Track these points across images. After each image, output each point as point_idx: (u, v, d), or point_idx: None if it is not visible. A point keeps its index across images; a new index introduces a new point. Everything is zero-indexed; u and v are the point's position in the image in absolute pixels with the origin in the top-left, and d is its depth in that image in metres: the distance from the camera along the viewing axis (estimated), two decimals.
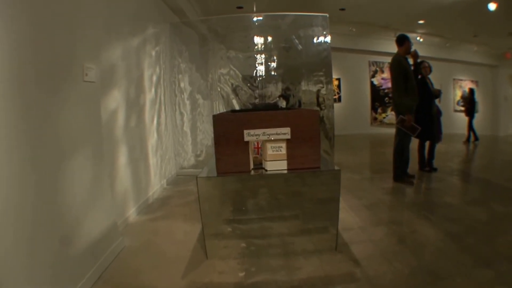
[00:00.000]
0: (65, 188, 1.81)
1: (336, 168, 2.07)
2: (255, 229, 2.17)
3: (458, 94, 11.89)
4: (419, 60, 4.53)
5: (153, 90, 4.21)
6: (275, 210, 2.12)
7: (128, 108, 3.27)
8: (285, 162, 2.04)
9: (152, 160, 4.04)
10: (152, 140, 4.08)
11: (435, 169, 4.75)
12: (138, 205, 3.38)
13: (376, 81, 11.11)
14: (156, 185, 4.08)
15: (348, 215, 3.00)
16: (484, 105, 11.78)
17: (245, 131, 1.96)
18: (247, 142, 1.99)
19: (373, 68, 11.11)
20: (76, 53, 1.97)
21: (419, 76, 4.48)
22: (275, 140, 1.99)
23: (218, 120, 1.97)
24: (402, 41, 4.06)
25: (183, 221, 3.04)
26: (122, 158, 3.10)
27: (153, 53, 4.28)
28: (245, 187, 2.01)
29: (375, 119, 11.10)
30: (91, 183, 2.09)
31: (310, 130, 2.00)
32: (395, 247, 2.33)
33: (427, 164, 4.78)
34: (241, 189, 2.02)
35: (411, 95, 3.90)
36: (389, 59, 10.75)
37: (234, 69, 4.93)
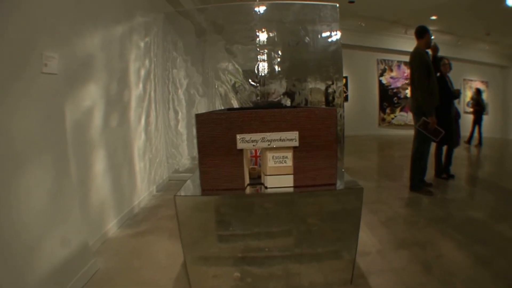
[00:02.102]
0: (20, 203, 1.55)
1: (358, 185, 1.59)
2: (251, 255, 1.70)
3: (468, 95, 11.40)
4: (439, 55, 4.17)
5: (140, 85, 3.76)
6: (275, 229, 1.65)
7: (108, 106, 2.85)
8: (291, 177, 1.55)
9: (139, 165, 3.59)
10: (139, 141, 3.63)
11: (452, 176, 4.40)
12: (120, 216, 2.98)
13: (384, 80, 10.65)
14: (143, 193, 3.63)
15: (364, 234, 2.56)
16: (494, 107, 11.46)
17: (238, 136, 1.48)
18: (241, 151, 1.52)
19: (382, 67, 10.65)
20: (33, 38, 1.66)
21: (438, 74, 4.09)
22: (279, 149, 1.51)
23: (203, 122, 1.49)
24: (423, 33, 3.63)
25: (169, 237, 2.65)
26: (100, 164, 2.68)
27: (142, 44, 3.86)
28: (238, 208, 1.54)
29: (383, 119, 10.63)
30: (53, 196, 1.78)
31: (325, 134, 1.52)
32: (421, 278, 1.99)
33: (444, 171, 4.40)
34: (233, 211, 1.54)
35: (432, 94, 3.44)
36: (398, 57, 10.52)
37: (234, 63, 4.45)
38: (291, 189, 1.54)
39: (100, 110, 2.70)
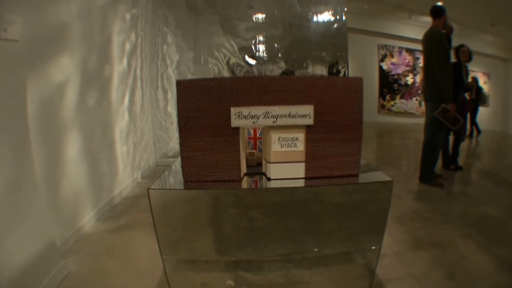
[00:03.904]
0: None
1: (386, 177, 1.22)
2: (246, 258, 1.34)
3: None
4: (457, 44, 4.00)
5: (125, 60, 3.35)
6: (276, 226, 1.28)
7: (85, 82, 2.46)
8: (302, 165, 1.17)
9: (121, 149, 3.20)
10: (121, 123, 3.23)
11: (460, 167, 4.17)
12: (98, 208, 2.64)
13: (385, 66, 10.25)
14: (126, 180, 3.26)
15: None
16: (495, 100, 11.20)
17: (233, 111, 1.09)
18: (237, 130, 1.13)
19: (382, 52, 10.23)
20: None
21: (455, 60, 3.86)
22: (287, 128, 1.14)
23: (186, 90, 1.10)
24: (440, 12, 3.28)
25: (151, 232, 2.23)
26: (73, 148, 2.31)
27: (128, 16, 3.44)
28: (231, 205, 1.16)
29: (382, 106, 10.28)
30: (8, 189, 1.46)
31: (348, 111, 1.15)
32: (445, 286, 1.73)
33: (451, 162, 4.17)
34: (224, 208, 1.16)
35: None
36: (400, 43, 10.13)
37: (229, 38, 4.01)
38: (302, 182, 1.16)
39: (74, 86, 2.32)
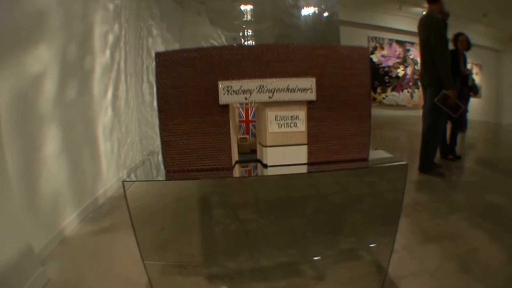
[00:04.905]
0: None
1: (402, 161, 1.06)
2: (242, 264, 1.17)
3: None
4: (456, 33, 3.93)
5: (108, 52, 3.14)
6: (275, 223, 1.11)
7: (65, 73, 2.26)
8: (304, 149, 1.00)
9: (105, 146, 2.99)
10: (104, 118, 3.02)
11: (458, 157, 4.04)
12: (81, 209, 2.44)
13: (375, 58, 10.11)
14: (111, 179, 3.05)
15: None
16: (487, 91, 11.19)
17: (221, 84, 0.92)
18: (226, 109, 0.96)
19: (373, 44, 10.11)
20: None
21: (453, 48, 3.78)
22: (285, 104, 0.97)
23: (166, 63, 0.93)
24: None
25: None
26: (52, 144, 2.12)
27: (111, 6, 3.24)
28: (220, 198, 0.99)
29: (374, 99, 10.17)
30: None
31: (354, 84, 0.98)
32: (460, 280, 1.60)
33: (449, 151, 4.04)
34: (214, 202, 0.99)
35: None
36: (390, 35, 10.04)
37: (217, 28, 3.82)
38: (305, 168, 0.99)
39: (53, 77, 2.12)
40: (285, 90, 0.93)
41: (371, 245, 1.17)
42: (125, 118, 3.56)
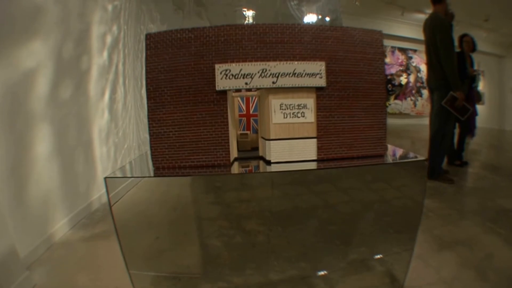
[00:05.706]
0: None
1: (419, 157, 0.94)
2: (242, 271, 1.04)
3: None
4: (461, 34, 3.92)
5: (105, 53, 3.06)
6: (279, 227, 0.99)
7: (59, 71, 2.17)
8: (314, 143, 0.88)
9: (100, 149, 2.88)
10: (100, 121, 2.92)
11: (465, 163, 3.95)
12: (73, 214, 2.31)
13: None
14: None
15: None
16: (490, 97, 11.11)
17: (219, 68, 0.81)
18: (224, 96, 0.84)
19: None
20: None
21: (459, 50, 3.66)
22: (291, 91, 0.85)
23: (157, 45, 0.81)
24: None
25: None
26: (43, 145, 2.01)
27: (110, 7, 3.19)
28: (218, 200, 0.86)
29: None
30: None
31: (368, 71, 0.87)
32: None
33: (457, 157, 3.94)
34: (209, 205, 0.87)
35: None
36: (393, 43, 9.98)
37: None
38: (314, 165, 0.87)
39: (47, 75, 2.03)
40: (291, 74, 0.82)
41: (385, 255, 1.03)
42: (122, 122, 3.45)
